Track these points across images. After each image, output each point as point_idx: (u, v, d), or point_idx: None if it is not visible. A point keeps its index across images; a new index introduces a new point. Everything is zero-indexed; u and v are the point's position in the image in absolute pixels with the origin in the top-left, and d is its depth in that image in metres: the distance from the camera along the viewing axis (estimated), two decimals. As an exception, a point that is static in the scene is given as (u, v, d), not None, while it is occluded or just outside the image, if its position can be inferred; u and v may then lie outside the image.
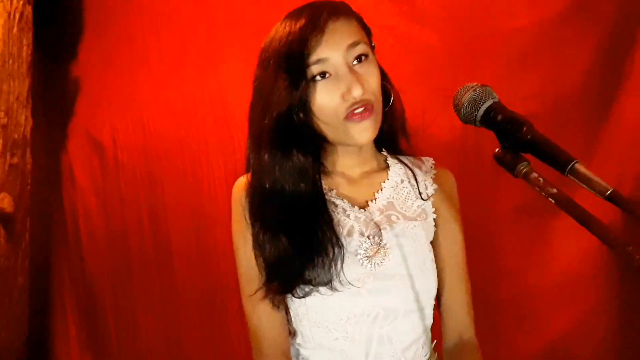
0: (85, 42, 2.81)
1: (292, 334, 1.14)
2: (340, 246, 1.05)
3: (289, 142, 1.07)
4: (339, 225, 1.08)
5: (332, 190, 1.13)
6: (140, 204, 2.63)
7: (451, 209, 1.18)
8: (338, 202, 1.11)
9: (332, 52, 1.03)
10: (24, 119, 2.55)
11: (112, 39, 2.69)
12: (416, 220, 1.13)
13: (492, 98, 0.83)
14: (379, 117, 1.08)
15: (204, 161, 2.44)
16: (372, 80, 1.06)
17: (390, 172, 1.17)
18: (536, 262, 1.76)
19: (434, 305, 1.15)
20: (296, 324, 1.12)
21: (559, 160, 0.72)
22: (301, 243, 1.05)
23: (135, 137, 2.62)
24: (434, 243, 1.16)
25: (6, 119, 2.46)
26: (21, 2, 2.51)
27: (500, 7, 1.80)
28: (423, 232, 1.12)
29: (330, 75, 1.04)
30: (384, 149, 1.21)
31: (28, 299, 2.62)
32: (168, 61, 2.53)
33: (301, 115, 1.05)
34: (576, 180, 0.70)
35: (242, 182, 1.13)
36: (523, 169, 0.77)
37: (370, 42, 1.11)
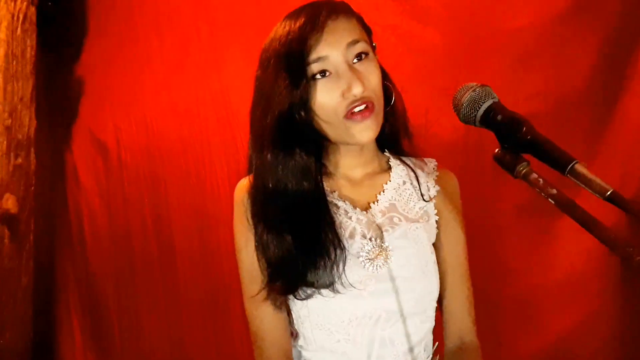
0: (89, 42, 2.82)
1: (294, 335, 1.14)
2: (342, 248, 1.04)
3: (291, 141, 1.06)
4: (340, 228, 1.07)
5: (334, 192, 1.13)
6: (143, 204, 2.64)
7: (453, 211, 1.18)
8: (340, 204, 1.11)
9: (332, 50, 1.03)
10: (28, 119, 2.57)
11: (115, 39, 2.70)
12: (418, 222, 1.12)
13: (492, 98, 0.82)
14: (380, 116, 1.08)
15: (207, 161, 2.45)
16: (373, 78, 1.05)
17: (392, 174, 1.16)
18: (538, 262, 1.76)
19: (436, 307, 1.15)
20: (298, 325, 1.11)
21: (558, 161, 0.72)
22: (305, 243, 1.05)
23: (139, 137, 2.63)
24: (436, 245, 1.15)
25: (10, 120, 2.48)
26: (25, 4, 2.52)
27: (503, 7, 1.79)
28: (425, 234, 1.12)
29: (330, 73, 1.04)
30: (386, 150, 1.20)
31: (32, 299, 2.63)
32: (171, 61, 2.53)
33: (302, 114, 1.05)
34: (576, 181, 0.70)
35: (244, 184, 1.13)
36: (523, 169, 0.76)
37: (371, 42, 1.11)
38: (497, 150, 0.80)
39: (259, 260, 1.09)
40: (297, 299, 1.07)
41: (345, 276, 1.04)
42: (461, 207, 1.20)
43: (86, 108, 2.83)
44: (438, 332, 1.16)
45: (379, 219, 1.10)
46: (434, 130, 1.78)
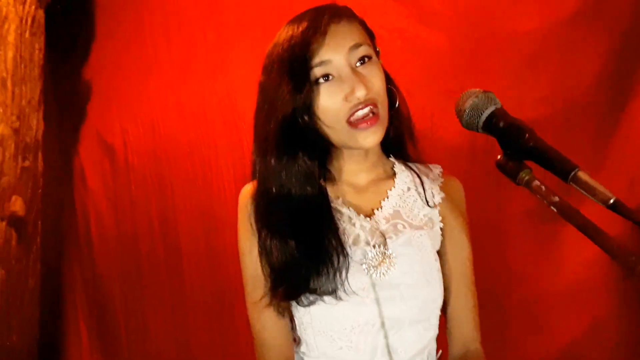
0: (96, 45, 2.84)
1: (297, 342, 1.14)
2: (345, 255, 1.04)
3: (294, 146, 1.06)
4: (344, 234, 1.07)
5: (338, 198, 1.12)
6: (150, 206, 2.65)
7: (458, 217, 1.16)
8: (344, 210, 1.10)
9: (335, 54, 1.03)
10: (35, 122, 2.58)
11: (123, 42, 2.72)
12: (422, 229, 1.11)
13: (494, 104, 0.82)
14: (385, 121, 1.07)
15: (214, 164, 2.45)
16: (376, 81, 1.05)
17: (396, 180, 1.16)
18: (545, 268, 1.74)
19: (440, 315, 1.14)
20: (300, 332, 1.11)
21: (561, 168, 0.71)
22: (308, 248, 1.05)
23: (146, 139, 2.64)
24: (440, 252, 1.14)
25: (18, 123, 2.49)
26: (33, 7, 2.53)
27: (510, 10, 1.78)
28: (429, 241, 1.11)
29: (333, 77, 1.04)
30: (391, 155, 1.19)
31: (39, 301, 2.64)
32: (178, 64, 2.54)
33: (306, 118, 1.05)
34: (578, 188, 0.69)
35: (248, 189, 1.13)
36: (525, 176, 0.76)
37: (374, 46, 1.10)
38: (499, 156, 0.80)
39: (262, 265, 1.09)
40: (300, 305, 1.06)
41: (348, 283, 1.03)
42: (466, 214, 1.19)
43: (94, 111, 2.85)
44: (442, 340, 1.15)
45: (383, 226, 1.09)
46: (440, 134, 1.77)
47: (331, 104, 1.04)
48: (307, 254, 1.04)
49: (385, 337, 1.06)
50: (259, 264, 1.09)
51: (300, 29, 1.04)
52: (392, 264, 1.06)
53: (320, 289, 1.03)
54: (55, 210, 2.89)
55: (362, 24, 1.10)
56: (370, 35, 1.11)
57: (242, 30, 2.33)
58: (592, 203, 0.70)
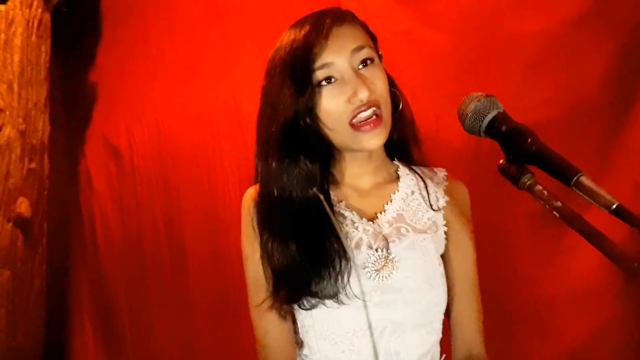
0: (102, 48, 2.85)
1: (299, 344, 1.13)
2: (347, 259, 1.04)
3: (296, 149, 1.06)
4: (347, 238, 1.07)
5: (341, 201, 1.12)
6: (155, 207, 2.66)
7: (463, 221, 1.16)
8: (347, 213, 1.10)
9: (337, 56, 1.03)
10: (42, 124, 2.60)
11: (128, 45, 2.73)
12: (426, 232, 1.11)
13: (497, 108, 0.81)
14: (388, 123, 1.07)
15: (218, 165, 2.46)
16: (379, 83, 1.05)
17: (400, 183, 1.15)
18: (550, 271, 1.73)
19: (443, 319, 1.14)
20: (303, 335, 1.11)
21: (564, 173, 0.71)
22: (309, 251, 1.05)
23: (151, 141, 2.65)
24: (444, 256, 1.14)
25: (24, 125, 2.51)
26: (39, 10, 2.55)
27: (515, 12, 1.77)
28: (433, 245, 1.11)
29: (336, 79, 1.04)
30: (395, 159, 1.19)
31: (45, 302, 2.66)
32: (182, 67, 2.55)
33: (308, 121, 1.05)
34: (581, 194, 0.69)
35: (250, 193, 1.14)
36: (527, 181, 0.75)
37: (377, 49, 1.10)
38: (501, 161, 0.79)
39: (264, 268, 1.09)
40: (302, 308, 1.06)
41: (350, 287, 1.03)
42: (471, 218, 1.18)
43: (99, 113, 2.86)
44: (445, 344, 1.15)
45: (386, 230, 1.09)
46: (445, 137, 1.76)
47: (334, 106, 1.04)
48: (308, 257, 1.04)
49: (388, 341, 1.06)
50: (261, 267, 1.09)
51: (303, 32, 1.04)
52: (394, 267, 1.05)
53: (322, 292, 1.03)
54: (61, 212, 2.91)
55: (365, 27, 1.10)
56: (373, 39, 1.11)
57: (247, 32, 2.34)
58: (595, 209, 0.69)
